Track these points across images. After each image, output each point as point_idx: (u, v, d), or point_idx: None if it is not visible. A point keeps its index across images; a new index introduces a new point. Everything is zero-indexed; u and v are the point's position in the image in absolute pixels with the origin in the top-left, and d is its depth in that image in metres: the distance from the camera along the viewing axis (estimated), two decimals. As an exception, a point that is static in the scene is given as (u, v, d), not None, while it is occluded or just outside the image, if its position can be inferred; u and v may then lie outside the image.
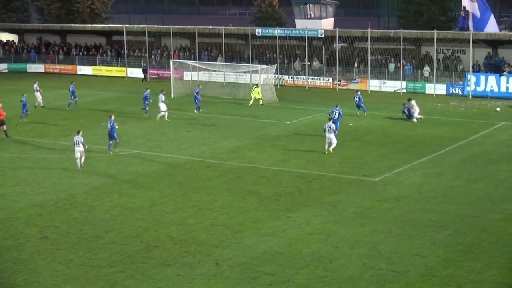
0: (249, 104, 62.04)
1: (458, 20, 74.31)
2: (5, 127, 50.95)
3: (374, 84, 71.48)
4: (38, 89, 63.13)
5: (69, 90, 63.18)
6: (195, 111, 56.91)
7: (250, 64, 74.32)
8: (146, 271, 27.19)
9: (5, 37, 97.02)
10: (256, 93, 62.90)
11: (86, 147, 42.30)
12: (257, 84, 65.65)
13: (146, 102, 57.25)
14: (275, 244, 29.78)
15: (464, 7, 70.18)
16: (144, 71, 78.58)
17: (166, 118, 55.68)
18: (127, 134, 51.03)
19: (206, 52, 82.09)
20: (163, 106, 55.57)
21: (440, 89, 68.24)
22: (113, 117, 45.75)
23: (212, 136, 50.01)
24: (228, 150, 46.28)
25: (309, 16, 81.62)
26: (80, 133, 41.87)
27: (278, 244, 29.77)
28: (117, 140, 45.93)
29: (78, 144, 41.45)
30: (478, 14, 68.81)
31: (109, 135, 45.51)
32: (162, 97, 55.80)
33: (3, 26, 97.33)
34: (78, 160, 41.71)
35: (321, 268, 27.16)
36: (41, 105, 63.06)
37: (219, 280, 26.31)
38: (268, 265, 27.52)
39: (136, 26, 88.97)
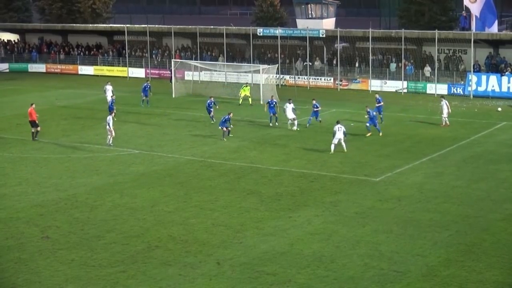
0: (240, 103, 62.23)
1: (459, 20, 74.37)
2: (39, 128, 49.95)
3: (375, 84, 71.47)
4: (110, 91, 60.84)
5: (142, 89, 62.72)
6: (212, 121, 55.06)
7: (252, 64, 74.33)
8: (148, 271, 27.19)
9: (7, 36, 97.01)
10: (247, 92, 63.07)
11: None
12: (247, 83, 65.91)
13: (145, 93, 56.78)
14: (276, 244, 29.78)
15: (466, 7, 70.18)
16: (173, 73, 77.54)
17: (295, 127, 51.96)
18: (128, 134, 51.04)
19: (207, 52, 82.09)
20: (290, 114, 52.06)
21: (441, 89, 68.16)
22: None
23: (213, 136, 49.98)
24: (230, 150, 46.28)
25: (310, 16, 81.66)
26: None
27: (280, 244, 29.77)
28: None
29: None
30: (477, 14, 68.74)
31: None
32: (290, 105, 52.30)
33: (4, 26, 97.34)
34: None
35: (322, 268, 27.17)
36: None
37: (221, 280, 26.31)
38: (269, 265, 27.52)
39: (137, 26, 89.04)
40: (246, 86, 64.40)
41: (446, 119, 52.76)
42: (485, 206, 34.28)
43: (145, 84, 57.50)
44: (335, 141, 44.68)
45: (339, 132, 44.65)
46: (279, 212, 33.89)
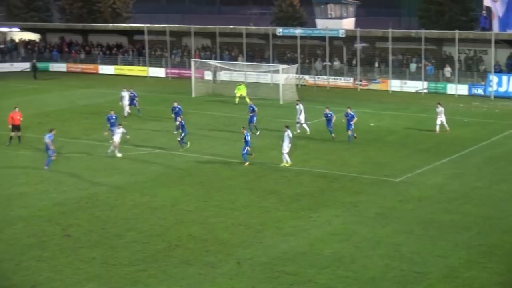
0: (236, 102, 62.14)
1: (479, 20, 74.05)
2: (19, 133, 48.95)
3: (395, 84, 71.29)
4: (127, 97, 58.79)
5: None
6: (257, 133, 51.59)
7: (271, 64, 74.34)
8: (168, 270, 27.28)
9: (28, 36, 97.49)
10: (242, 91, 63.02)
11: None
12: (241, 82, 66.36)
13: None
14: (296, 244, 29.80)
15: (486, 7, 69.86)
16: (214, 72, 77.48)
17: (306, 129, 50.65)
18: (149, 134, 51.19)
19: (227, 52, 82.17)
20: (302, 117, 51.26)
21: (462, 89, 67.98)
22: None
23: (233, 135, 49.99)
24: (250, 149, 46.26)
25: (330, 16, 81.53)
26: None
27: (300, 244, 29.79)
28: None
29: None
30: (500, 14, 68.44)
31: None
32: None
33: (25, 26, 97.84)
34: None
35: (342, 269, 27.16)
36: (125, 114, 57.76)
37: (240, 280, 26.36)
38: (289, 265, 27.54)
39: (157, 25, 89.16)
40: (241, 85, 64.28)
41: (446, 124, 50.40)
42: (506, 207, 34.16)
43: (176, 106, 53.01)
44: (285, 150, 42.12)
45: (287, 140, 41.90)
46: (299, 212, 33.91)
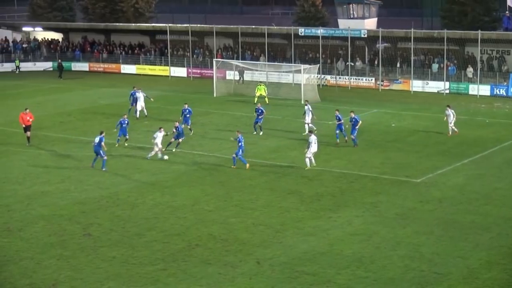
0: (255, 102, 62.18)
1: (502, 21, 73.62)
2: (29, 133, 48.46)
3: (417, 85, 71.05)
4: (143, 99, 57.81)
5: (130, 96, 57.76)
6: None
7: (293, 64, 74.34)
8: (188, 269, 27.36)
9: (51, 35, 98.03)
10: (262, 91, 63.01)
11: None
12: (261, 82, 66.27)
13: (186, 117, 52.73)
14: (316, 244, 29.79)
15: (509, 7, 69.47)
16: (241, 73, 77.44)
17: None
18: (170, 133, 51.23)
19: (248, 52, 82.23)
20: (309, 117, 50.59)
21: (484, 90, 67.66)
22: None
23: (253, 135, 50.02)
24: (270, 149, 46.35)
25: (352, 16, 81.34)
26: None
27: (319, 244, 29.78)
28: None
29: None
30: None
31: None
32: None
33: (48, 25, 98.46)
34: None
35: (362, 269, 27.13)
36: (136, 115, 57.40)
37: (260, 280, 26.39)
38: (309, 265, 27.55)
39: (179, 25, 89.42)
40: (260, 85, 64.31)
41: (454, 127, 49.94)
42: (527, 208, 34.00)
43: (186, 109, 53.55)
44: (309, 154, 41.58)
45: (315, 144, 41.49)
46: (319, 212, 33.89)
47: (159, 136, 43.93)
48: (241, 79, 76.66)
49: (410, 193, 36.62)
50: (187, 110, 51.40)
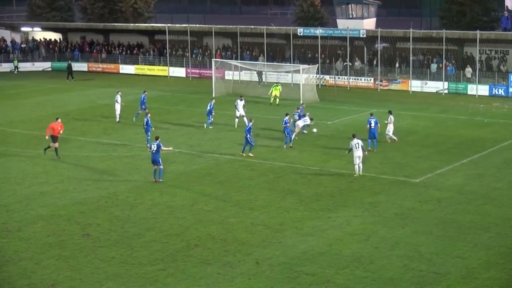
0: (271, 102, 62.28)
1: (501, 21, 73.65)
2: (57, 144, 44.59)
3: (415, 85, 71.07)
4: (119, 100, 56.82)
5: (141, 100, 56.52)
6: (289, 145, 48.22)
7: (292, 64, 74.35)
8: (187, 270, 27.36)
9: (49, 36, 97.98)
10: (277, 92, 63.12)
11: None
12: (277, 83, 66.22)
13: (210, 116, 53.26)
14: (315, 244, 29.79)
15: (507, 7, 69.48)
16: (260, 74, 77.17)
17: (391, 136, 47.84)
18: (169, 133, 51.26)
19: (247, 52, 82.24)
20: (241, 111, 52.91)
21: (482, 90, 67.70)
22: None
23: (252, 135, 49.88)
24: (269, 149, 46.33)
25: (351, 16, 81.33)
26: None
27: (319, 244, 29.79)
28: None
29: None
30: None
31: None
32: (241, 102, 53.27)
33: (47, 25, 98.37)
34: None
35: (361, 269, 27.13)
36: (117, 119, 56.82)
37: (259, 280, 26.39)
38: (308, 265, 27.55)
39: (178, 25, 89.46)
40: (277, 86, 64.34)
41: (392, 136, 47.49)
42: (526, 208, 34.01)
43: (211, 105, 53.15)
44: (356, 160, 39.89)
45: (358, 150, 39.74)
46: (318, 212, 33.90)
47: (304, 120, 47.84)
48: (261, 80, 76.60)
49: (409, 193, 36.62)
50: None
